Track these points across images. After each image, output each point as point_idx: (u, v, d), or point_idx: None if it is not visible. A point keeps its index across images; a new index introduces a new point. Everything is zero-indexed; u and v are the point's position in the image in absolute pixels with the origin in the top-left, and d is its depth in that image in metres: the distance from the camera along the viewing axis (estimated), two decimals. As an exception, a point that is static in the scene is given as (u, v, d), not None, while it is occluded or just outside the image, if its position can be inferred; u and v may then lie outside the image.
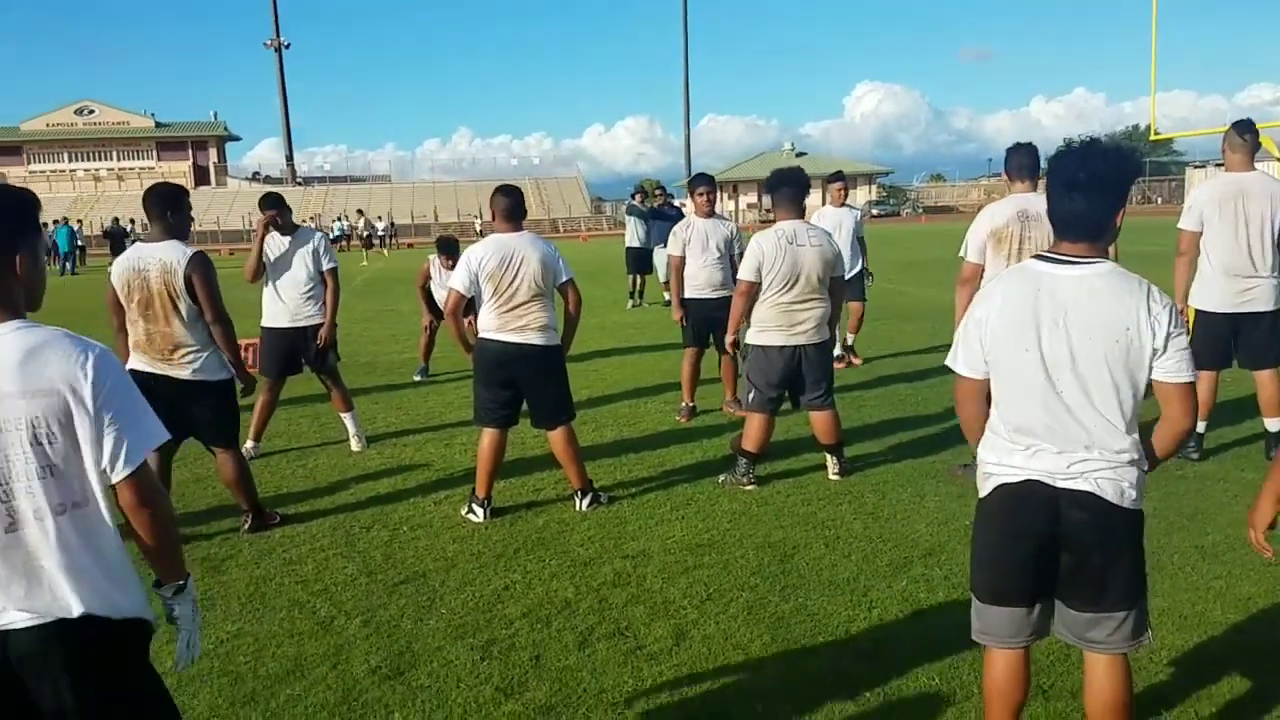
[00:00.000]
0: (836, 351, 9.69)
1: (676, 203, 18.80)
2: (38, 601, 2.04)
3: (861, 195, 66.99)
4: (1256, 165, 5.90)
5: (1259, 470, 5.72)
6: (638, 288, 16.40)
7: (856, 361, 9.93)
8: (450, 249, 9.86)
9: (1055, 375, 2.58)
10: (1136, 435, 2.61)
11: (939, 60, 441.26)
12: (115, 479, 2.08)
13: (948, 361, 2.83)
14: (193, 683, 3.60)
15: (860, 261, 9.97)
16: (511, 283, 5.26)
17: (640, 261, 16.14)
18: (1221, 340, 5.85)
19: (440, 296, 9.78)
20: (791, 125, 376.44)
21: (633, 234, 16.23)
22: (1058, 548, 2.63)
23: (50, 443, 2.01)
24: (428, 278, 10.13)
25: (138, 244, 5.27)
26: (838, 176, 10.23)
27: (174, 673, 2.97)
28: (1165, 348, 2.55)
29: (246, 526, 5.32)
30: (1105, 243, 2.65)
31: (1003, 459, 2.68)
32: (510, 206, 5.42)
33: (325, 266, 6.87)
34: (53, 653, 2.05)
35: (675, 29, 72.84)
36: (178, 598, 2.24)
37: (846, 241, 9.74)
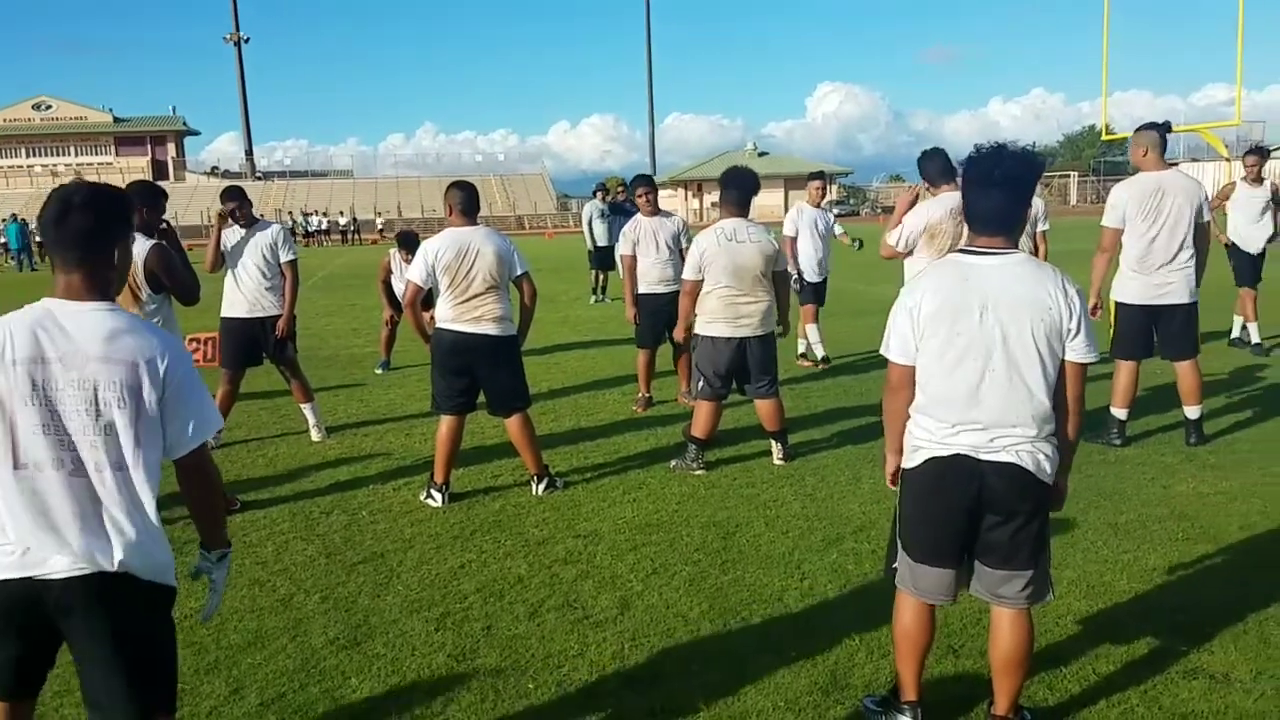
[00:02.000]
0: (800, 349, 9.95)
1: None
2: (85, 545, 2.28)
3: (805, 199, 67.50)
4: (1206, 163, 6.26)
5: (1177, 455, 6.07)
6: (599, 283, 16.63)
7: (809, 364, 9.80)
8: (410, 243, 10.02)
9: (986, 356, 2.84)
10: (1053, 414, 2.89)
11: (900, 62, 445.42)
12: (182, 452, 2.39)
13: (881, 350, 3.09)
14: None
15: (827, 265, 10.05)
16: (467, 275, 5.45)
17: (602, 258, 16.39)
18: (1142, 332, 6.17)
19: (401, 290, 9.94)
20: (755, 125, 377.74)
21: (594, 231, 16.47)
22: (980, 513, 2.91)
23: (119, 406, 2.29)
24: (389, 272, 10.29)
25: None
26: (817, 175, 10.40)
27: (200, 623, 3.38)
28: (1077, 329, 2.86)
29: None
30: (1016, 236, 2.95)
31: (932, 434, 2.94)
32: (465, 201, 5.60)
33: (284, 258, 7.01)
34: (90, 602, 2.31)
35: (640, 27, 72.97)
36: (220, 562, 2.60)
37: (824, 239, 9.86)
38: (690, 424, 6.26)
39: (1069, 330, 2.85)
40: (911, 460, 3.02)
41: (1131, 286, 6.12)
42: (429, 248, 5.53)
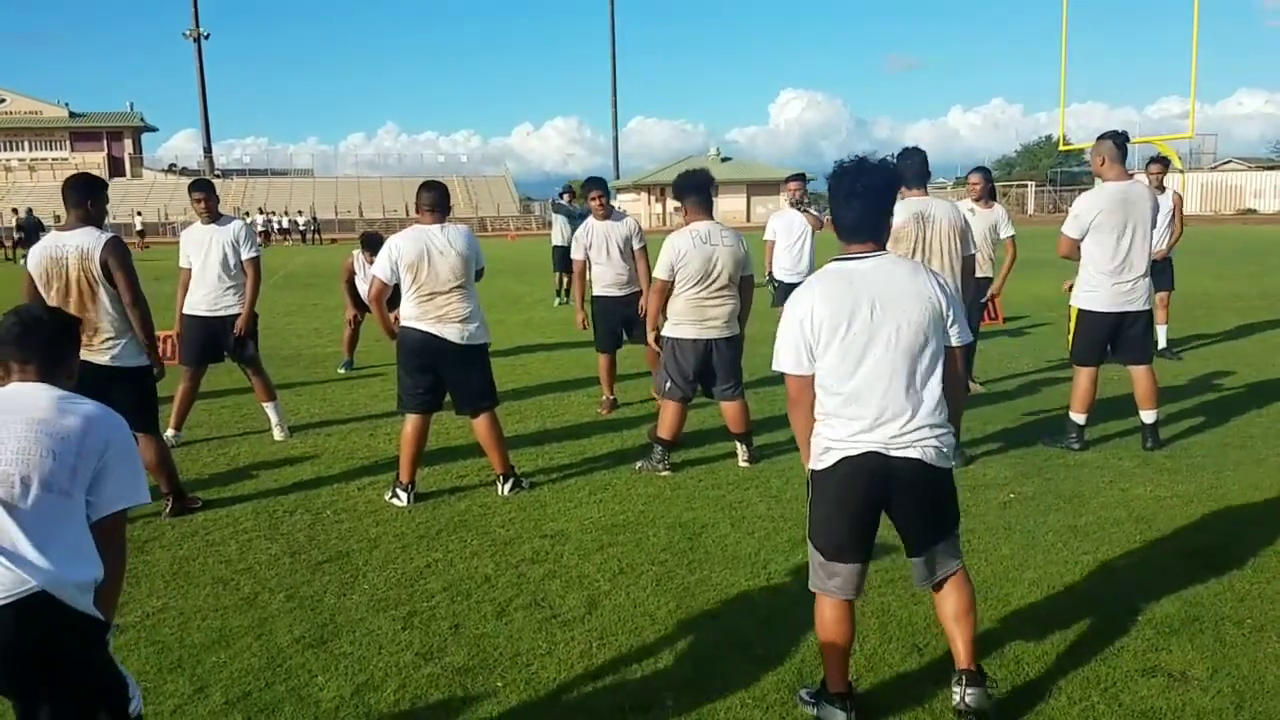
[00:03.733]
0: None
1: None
2: None
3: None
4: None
5: (1134, 459, 6.19)
6: (563, 285, 16.62)
7: None
8: (374, 244, 9.96)
9: (881, 350, 2.99)
10: (943, 399, 3.07)
11: (862, 70, 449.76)
12: None
13: (774, 366, 3.16)
14: (120, 651, 3.72)
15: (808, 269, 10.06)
16: (430, 272, 5.41)
17: (567, 260, 16.35)
18: (1103, 338, 6.28)
19: (364, 290, 9.89)
20: (718, 130, 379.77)
21: (559, 233, 16.46)
22: (890, 507, 3.09)
23: None
24: (352, 273, 10.23)
25: (53, 232, 5.31)
26: (797, 177, 10.33)
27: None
28: (952, 315, 3.07)
29: (168, 510, 5.41)
30: (884, 240, 3.14)
31: (842, 434, 3.05)
32: (435, 199, 5.57)
33: (246, 256, 6.95)
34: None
35: (604, 30, 72.96)
36: None
37: (804, 242, 9.79)
38: (655, 425, 6.28)
39: (947, 318, 3.07)
40: (822, 462, 3.11)
41: (1100, 294, 6.19)
42: (393, 243, 5.51)
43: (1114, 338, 6.29)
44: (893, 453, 3.00)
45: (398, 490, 5.62)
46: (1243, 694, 3.33)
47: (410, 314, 5.49)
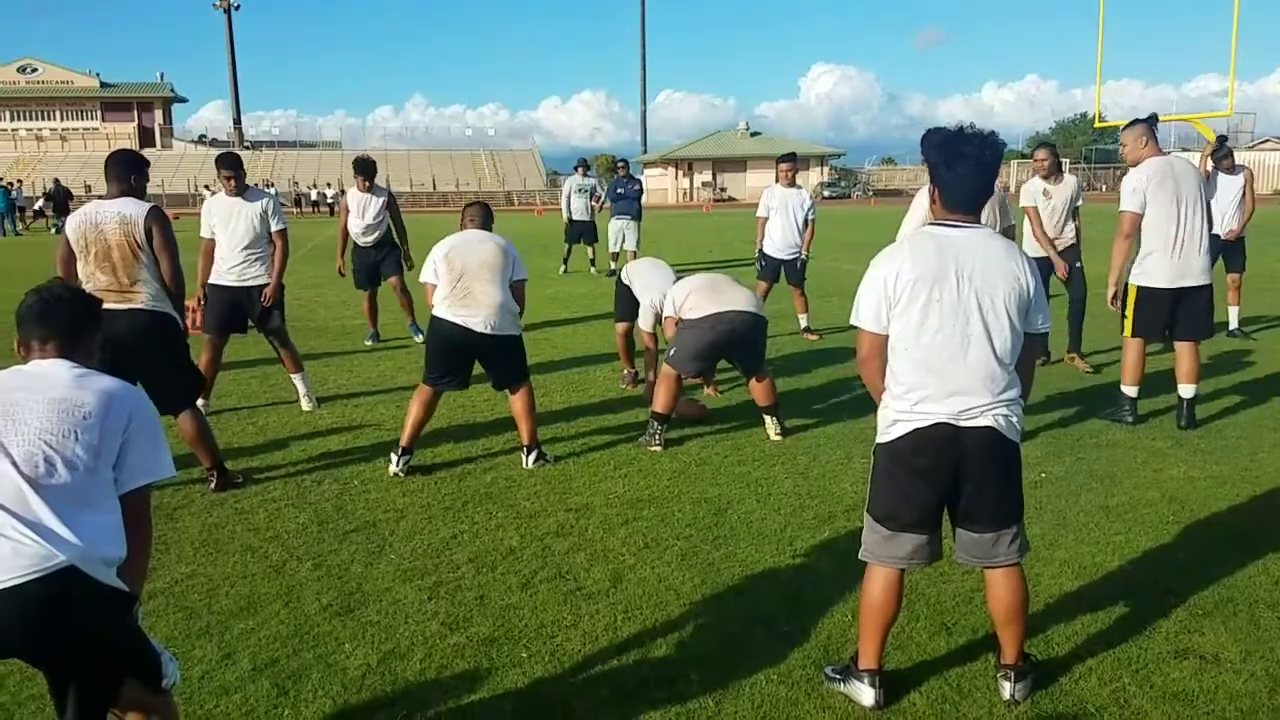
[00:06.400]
0: (804, 323, 10.24)
1: (639, 176, 19.41)
2: None
3: (814, 177, 67.37)
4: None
5: (1168, 439, 6.10)
6: (590, 257, 17.11)
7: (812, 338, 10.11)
8: (365, 169, 9.73)
9: (965, 322, 2.93)
10: (1016, 379, 3.03)
11: (894, 44, 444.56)
12: None
13: (852, 320, 3.11)
14: (149, 617, 3.76)
15: (801, 247, 10.26)
16: (463, 262, 5.54)
17: (581, 232, 16.98)
18: (1162, 314, 6.24)
19: (356, 228, 9.72)
20: (747, 105, 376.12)
21: (577, 207, 16.81)
22: (959, 479, 3.00)
23: None
24: (348, 212, 9.98)
25: (95, 201, 5.36)
26: (788, 157, 10.51)
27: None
28: (1036, 302, 3.01)
29: (212, 485, 5.39)
30: (979, 214, 3.07)
31: (913, 405, 2.99)
32: (477, 215, 5.89)
33: (274, 228, 6.97)
34: None
35: (633, 2, 72.49)
36: None
37: (793, 220, 10.12)
38: (654, 399, 6.27)
39: (1032, 303, 3.00)
40: (889, 434, 3.07)
41: (1158, 271, 6.15)
42: (436, 248, 5.68)
43: (1174, 313, 6.24)
44: (962, 423, 2.95)
45: (393, 453, 5.67)
46: (1276, 677, 3.28)
47: (442, 304, 5.56)
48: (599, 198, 17.16)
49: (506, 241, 5.73)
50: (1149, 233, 6.14)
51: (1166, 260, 6.10)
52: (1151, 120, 6.24)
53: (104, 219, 5.11)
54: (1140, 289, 6.26)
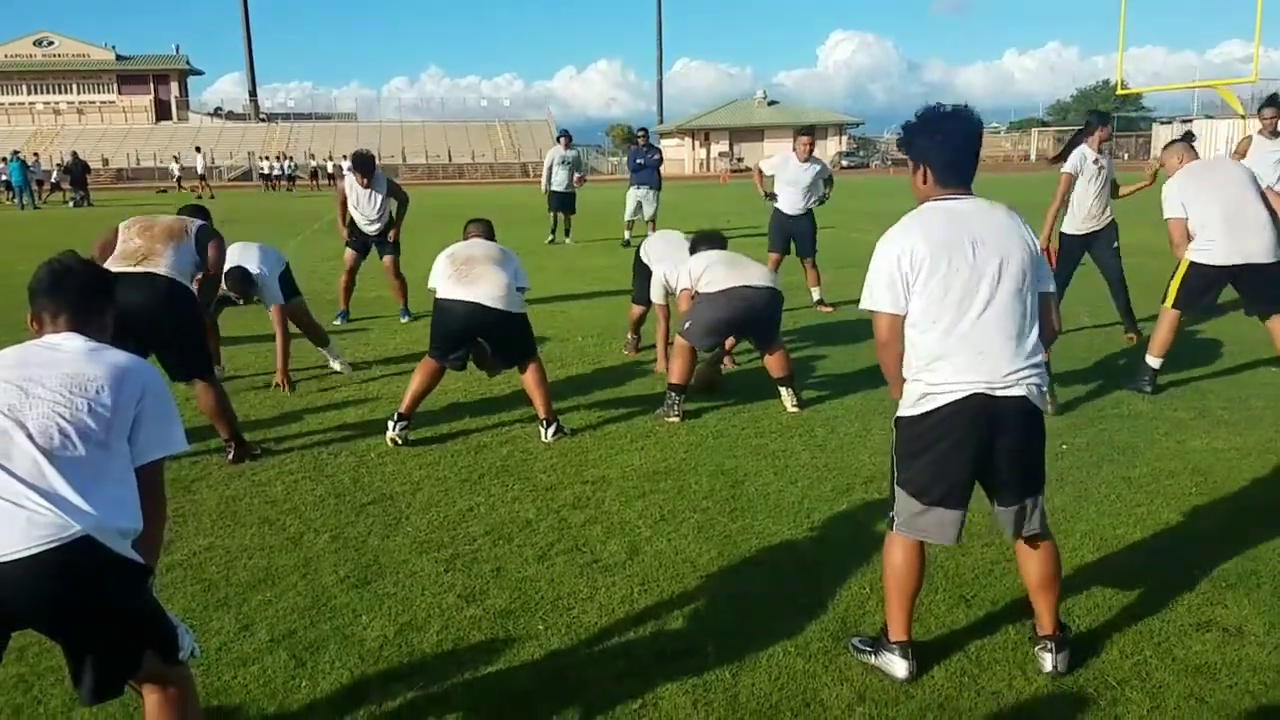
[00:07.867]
0: (816, 296, 10.20)
1: (659, 145, 19.46)
2: None
3: (832, 146, 66.79)
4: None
5: (1190, 410, 6.04)
6: (564, 226, 17.27)
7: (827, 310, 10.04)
8: (363, 164, 9.71)
9: (986, 287, 2.91)
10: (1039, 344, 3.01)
11: (914, 10, 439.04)
12: None
13: (864, 305, 3.06)
14: (166, 589, 3.78)
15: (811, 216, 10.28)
16: (467, 252, 5.73)
17: (562, 202, 17.13)
18: (1209, 292, 6.33)
19: (358, 218, 9.77)
20: (765, 73, 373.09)
21: (559, 179, 16.94)
22: (993, 451, 2.97)
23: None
24: (345, 197, 9.92)
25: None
26: (807, 130, 10.48)
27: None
28: (1041, 260, 3.03)
29: (230, 455, 5.41)
30: (970, 185, 3.08)
31: (944, 378, 2.94)
32: (484, 230, 6.17)
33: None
34: None
35: (649, -28, 71.73)
36: None
37: (806, 192, 10.08)
38: (670, 370, 6.25)
39: (1040, 264, 3.02)
40: (920, 407, 3.01)
41: (1214, 250, 6.15)
42: (439, 255, 5.83)
43: (1245, 292, 6.33)
44: (998, 392, 2.92)
45: (389, 420, 5.70)
46: (1301, 652, 3.24)
47: (444, 285, 5.63)
48: (582, 177, 17.46)
49: (511, 251, 5.88)
50: (1201, 223, 6.17)
51: (1224, 238, 6.11)
52: (1188, 137, 6.50)
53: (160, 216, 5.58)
54: (1192, 264, 6.27)
